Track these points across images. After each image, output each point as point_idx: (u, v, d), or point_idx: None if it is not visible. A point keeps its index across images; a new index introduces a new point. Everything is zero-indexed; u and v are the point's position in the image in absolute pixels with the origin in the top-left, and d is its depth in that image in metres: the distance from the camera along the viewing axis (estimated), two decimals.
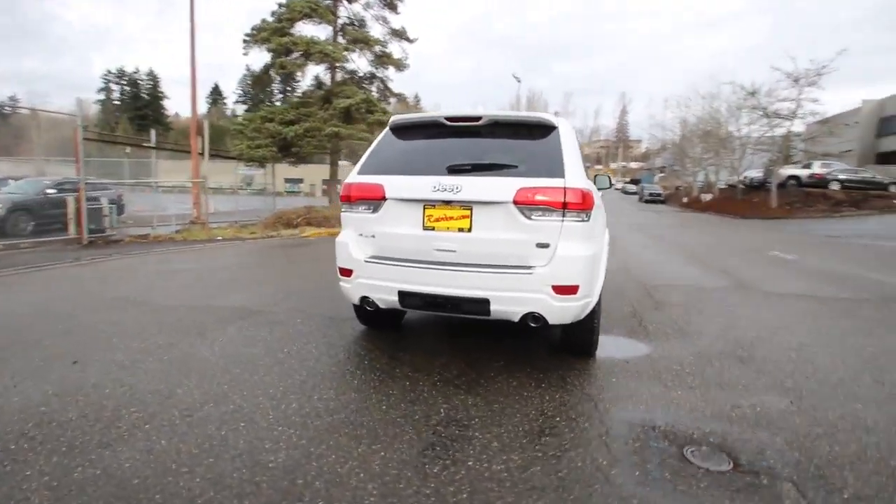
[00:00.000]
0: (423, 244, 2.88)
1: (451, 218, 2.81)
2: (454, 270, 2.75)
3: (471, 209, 2.78)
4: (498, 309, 2.71)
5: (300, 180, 41.24)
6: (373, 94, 14.40)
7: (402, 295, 2.85)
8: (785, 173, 23.50)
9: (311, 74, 14.94)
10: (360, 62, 14.79)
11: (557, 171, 2.75)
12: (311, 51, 12.62)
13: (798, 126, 22.79)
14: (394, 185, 2.92)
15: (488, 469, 1.90)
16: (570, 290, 2.63)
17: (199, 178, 11.48)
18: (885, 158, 29.92)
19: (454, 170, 2.87)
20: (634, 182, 57.67)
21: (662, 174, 58.39)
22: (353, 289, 3.04)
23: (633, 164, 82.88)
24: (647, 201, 37.03)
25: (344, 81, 14.41)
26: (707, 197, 30.36)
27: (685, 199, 33.57)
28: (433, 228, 2.85)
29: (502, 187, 2.73)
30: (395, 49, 14.88)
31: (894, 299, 5.25)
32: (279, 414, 2.33)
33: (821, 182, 23.24)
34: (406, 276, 2.84)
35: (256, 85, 15.83)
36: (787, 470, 1.92)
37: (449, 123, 3.04)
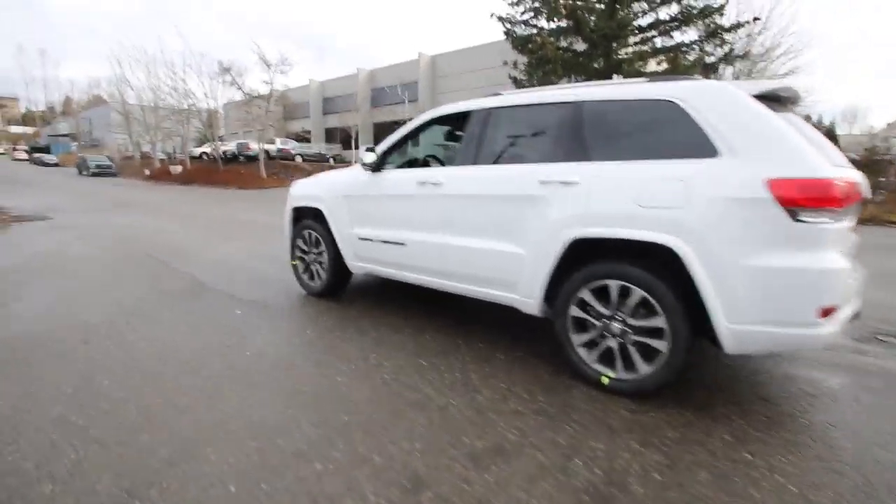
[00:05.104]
0: None
1: None
2: None
3: None
4: None
5: None
6: None
7: None
8: (259, 147, 26.09)
9: None
10: None
11: None
12: None
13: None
14: None
15: None
16: None
17: None
18: (330, 134, 37.07)
19: None
20: (40, 150, 44.74)
21: (76, 143, 48.18)
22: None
23: (16, 129, 62.14)
24: (94, 174, 30.33)
25: None
26: (177, 169, 28.70)
27: (148, 172, 30.11)
28: None
29: None
30: None
31: None
32: None
33: (288, 156, 27.68)
34: None
35: None
36: None
37: None
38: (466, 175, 3.00)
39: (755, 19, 15.19)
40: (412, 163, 3.88)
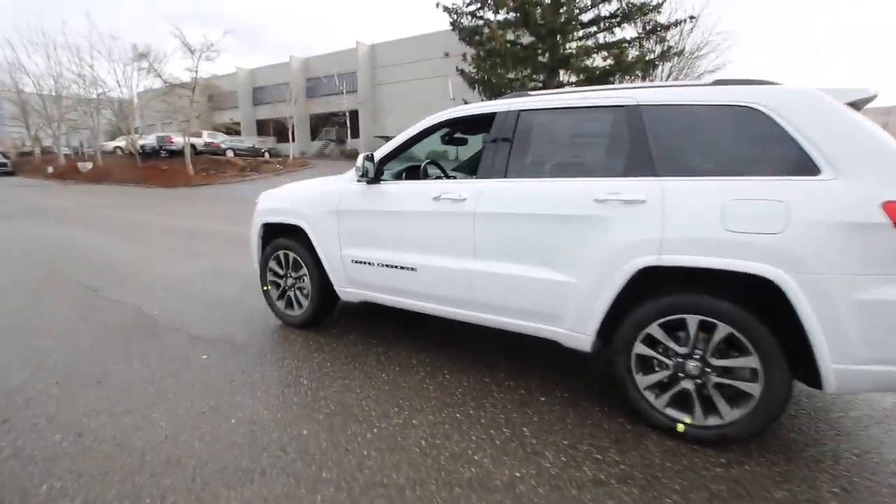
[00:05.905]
0: None
1: None
2: None
3: None
4: None
5: None
6: None
7: None
8: (183, 141, 23.71)
9: None
10: None
11: None
12: None
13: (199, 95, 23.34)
14: None
15: None
16: None
17: None
18: (261, 126, 35.28)
19: None
20: None
21: None
22: None
23: None
24: None
25: None
26: (87, 166, 25.57)
27: (51, 170, 26.60)
28: None
29: None
30: None
31: None
32: None
33: (218, 150, 25.54)
34: None
35: None
36: None
37: None
38: (498, 190, 2.54)
39: (691, 18, 15.84)
40: (410, 172, 3.35)
